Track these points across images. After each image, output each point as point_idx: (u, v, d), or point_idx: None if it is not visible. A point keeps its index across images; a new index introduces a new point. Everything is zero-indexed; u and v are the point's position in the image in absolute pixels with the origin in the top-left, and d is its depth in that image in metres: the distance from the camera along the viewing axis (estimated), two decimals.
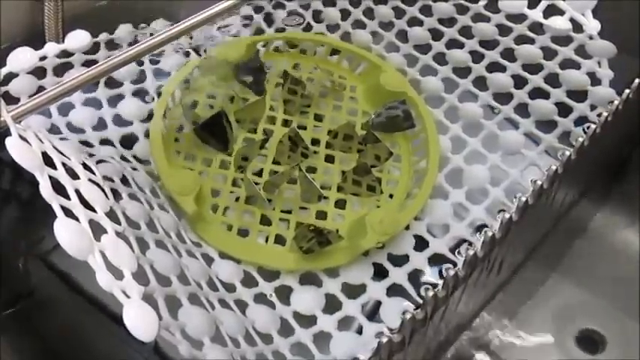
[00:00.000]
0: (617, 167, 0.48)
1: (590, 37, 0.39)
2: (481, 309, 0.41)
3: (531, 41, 0.41)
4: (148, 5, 0.45)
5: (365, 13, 0.46)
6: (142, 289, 0.24)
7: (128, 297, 0.23)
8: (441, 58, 0.43)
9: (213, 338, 0.26)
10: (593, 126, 0.33)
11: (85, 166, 0.29)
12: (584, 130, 0.34)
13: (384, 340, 0.24)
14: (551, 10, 0.40)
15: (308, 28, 0.46)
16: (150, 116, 0.38)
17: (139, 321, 0.22)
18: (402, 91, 0.41)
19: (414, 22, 0.45)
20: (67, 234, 0.23)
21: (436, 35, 0.44)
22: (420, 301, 0.26)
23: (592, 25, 0.39)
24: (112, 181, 0.31)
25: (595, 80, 0.40)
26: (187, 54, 0.43)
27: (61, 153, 0.28)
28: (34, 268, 0.38)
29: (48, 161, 0.26)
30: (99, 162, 0.32)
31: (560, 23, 0.40)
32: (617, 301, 0.42)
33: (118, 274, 0.24)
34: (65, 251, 0.37)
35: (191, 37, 0.43)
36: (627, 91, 0.35)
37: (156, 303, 0.25)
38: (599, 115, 0.34)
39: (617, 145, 0.44)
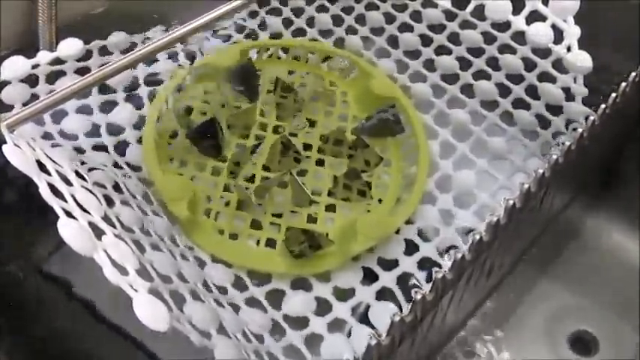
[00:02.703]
0: (609, 170, 0.48)
1: (568, 49, 0.40)
2: (472, 313, 0.41)
3: (513, 51, 0.41)
4: (143, 12, 0.46)
5: (357, 20, 0.46)
6: (147, 284, 0.25)
7: (136, 291, 0.24)
8: (430, 65, 0.43)
9: (219, 330, 0.27)
10: (580, 129, 0.34)
11: (78, 174, 0.30)
12: (571, 132, 0.35)
13: (373, 342, 0.24)
14: (535, 16, 0.41)
15: (301, 33, 0.46)
16: (143, 122, 0.38)
17: (150, 312, 0.23)
18: (392, 97, 0.41)
19: (405, 28, 0.45)
20: (71, 232, 0.24)
21: (426, 41, 0.44)
22: (409, 305, 0.26)
23: (572, 31, 0.39)
24: (105, 187, 0.31)
25: (569, 96, 0.40)
26: (180, 60, 0.43)
27: (54, 161, 0.28)
28: (29, 275, 0.38)
29: (41, 169, 0.27)
30: (91, 169, 0.33)
31: (542, 29, 0.40)
32: (609, 302, 0.42)
33: (121, 272, 0.24)
34: (59, 258, 0.38)
35: (184, 43, 0.43)
36: (614, 95, 0.35)
37: (162, 297, 0.25)
38: (586, 119, 0.34)
39: (609, 148, 0.44)
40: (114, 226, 0.28)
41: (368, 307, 0.33)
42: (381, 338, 0.25)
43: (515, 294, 0.43)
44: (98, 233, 0.26)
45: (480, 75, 0.42)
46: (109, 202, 0.30)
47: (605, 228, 0.46)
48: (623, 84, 0.36)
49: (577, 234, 0.46)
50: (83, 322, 0.37)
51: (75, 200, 0.27)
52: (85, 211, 0.27)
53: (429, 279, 0.27)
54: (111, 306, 0.36)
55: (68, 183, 0.28)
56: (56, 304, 0.37)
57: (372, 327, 0.32)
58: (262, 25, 0.47)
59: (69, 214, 0.26)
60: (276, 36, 0.46)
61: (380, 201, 0.38)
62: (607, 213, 0.47)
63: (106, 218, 0.28)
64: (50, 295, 0.38)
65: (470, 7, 0.43)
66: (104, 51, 0.40)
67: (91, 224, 0.26)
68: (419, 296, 0.26)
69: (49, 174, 0.27)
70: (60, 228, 0.24)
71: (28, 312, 0.37)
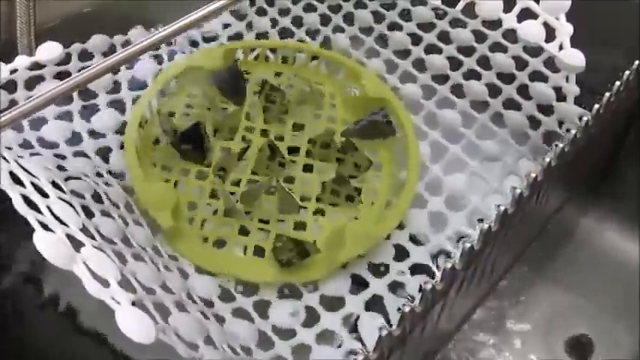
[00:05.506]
0: (603, 170, 0.48)
1: (560, 48, 0.39)
2: (466, 318, 0.41)
3: (504, 50, 0.41)
4: (125, 14, 0.45)
5: (345, 18, 0.46)
6: (130, 296, 0.24)
7: (118, 303, 0.23)
8: (420, 64, 0.43)
9: (206, 341, 0.27)
10: (573, 130, 0.33)
11: (55, 184, 0.29)
12: (563, 134, 0.34)
13: (360, 358, 0.24)
14: (526, 14, 0.40)
15: (287, 33, 0.46)
16: (125, 128, 0.37)
17: (135, 325, 0.23)
18: (382, 98, 0.40)
19: (394, 26, 0.44)
20: (48, 245, 0.24)
21: (415, 40, 0.43)
22: (398, 317, 0.25)
23: (564, 29, 0.39)
24: (83, 198, 0.30)
25: (561, 95, 0.39)
26: (164, 62, 0.42)
27: (29, 172, 0.27)
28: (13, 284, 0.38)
29: (16, 180, 0.26)
30: (69, 179, 0.32)
31: (533, 27, 0.40)
32: (605, 304, 0.42)
33: (103, 284, 0.24)
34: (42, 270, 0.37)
35: (168, 44, 0.42)
36: (607, 95, 0.34)
37: (147, 309, 0.25)
38: (580, 119, 0.34)
39: (603, 149, 0.44)
40: (93, 238, 0.27)
41: (358, 316, 0.32)
42: (369, 354, 0.24)
43: (510, 297, 0.42)
44: (77, 245, 0.25)
45: (471, 75, 0.41)
46: (89, 212, 0.30)
47: (601, 229, 0.46)
48: (617, 83, 0.35)
49: (572, 235, 0.46)
50: (67, 331, 0.36)
51: (51, 212, 0.26)
52: (62, 223, 0.26)
53: (419, 287, 0.26)
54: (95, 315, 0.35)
55: (44, 194, 0.27)
56: (41, 313, 0.37)
57: (362, 336, 0.31)
58: (248, 26, 0.46)
59: (45, 227, 0.25)
60: (262, 36, 0.45)
61: (371, 204, 0.37)
62: (602, 213, 0.47)
63: (84, 229, 0.27)
64: (34, 304, 0.37)
65: (460, 5, 0.43)
66: (85, 54, 0.39)
67: (70, 236, 0.25)
68: (407, 308, 0.25)
69: (23, 186, 0.26)
70: (36, 241, 0.24)
71: (11, 320, 0.36)
